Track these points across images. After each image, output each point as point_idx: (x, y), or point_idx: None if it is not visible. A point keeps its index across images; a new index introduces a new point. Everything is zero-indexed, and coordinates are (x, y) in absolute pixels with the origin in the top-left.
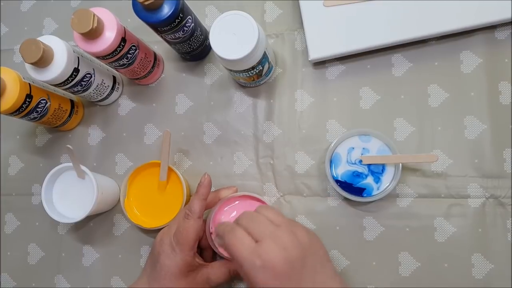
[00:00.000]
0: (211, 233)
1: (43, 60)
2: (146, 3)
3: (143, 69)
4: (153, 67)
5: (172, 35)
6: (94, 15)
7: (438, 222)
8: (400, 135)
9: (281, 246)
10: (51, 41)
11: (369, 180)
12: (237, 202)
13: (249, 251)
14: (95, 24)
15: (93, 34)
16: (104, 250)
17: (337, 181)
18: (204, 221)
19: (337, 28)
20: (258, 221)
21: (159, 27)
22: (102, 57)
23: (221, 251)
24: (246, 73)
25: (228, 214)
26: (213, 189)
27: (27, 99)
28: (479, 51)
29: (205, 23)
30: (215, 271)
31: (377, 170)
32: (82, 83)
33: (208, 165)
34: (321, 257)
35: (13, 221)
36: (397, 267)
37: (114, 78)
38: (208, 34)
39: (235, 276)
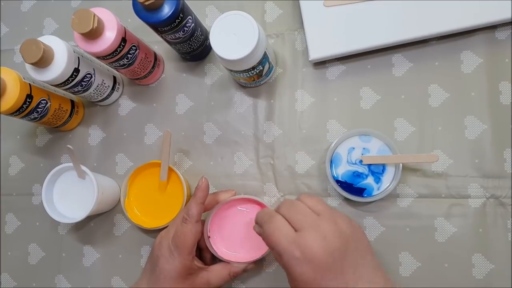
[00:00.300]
0: (208, 237)
1: (43, 60)
2: (147, 3)
3: (143, 69)
4: (153, 67)
5: (172, 35)
6: (94, 15)
7: (439, 222)
8: (400, 135)
9: (321, 236)
10: (51, 41)
11: (370, 180)
12: (237, 205)
13: (288, 241)
14: (96, 24)
15: (93, 34)
16: (104, 250)
17: (337, 181)
18: (203, 224)
19: (337, 28)
20: (298, 209)
21: (159, 27)
22: (103, 57)
23: (220, 254)
24: (247, 73)
25: (228, 217)
26: (213, 189)
27: (28, 99)
28: (479, 51)
29: (205, 23)
30: (215, 274)
31: (377, 170)
32: (83, 83)
33: (209, 165)
34: (364, 248)
35: (13, 221)
36: (397, 267)
37: (115, 78)
38: (209, 34)
39: (235, 278)
